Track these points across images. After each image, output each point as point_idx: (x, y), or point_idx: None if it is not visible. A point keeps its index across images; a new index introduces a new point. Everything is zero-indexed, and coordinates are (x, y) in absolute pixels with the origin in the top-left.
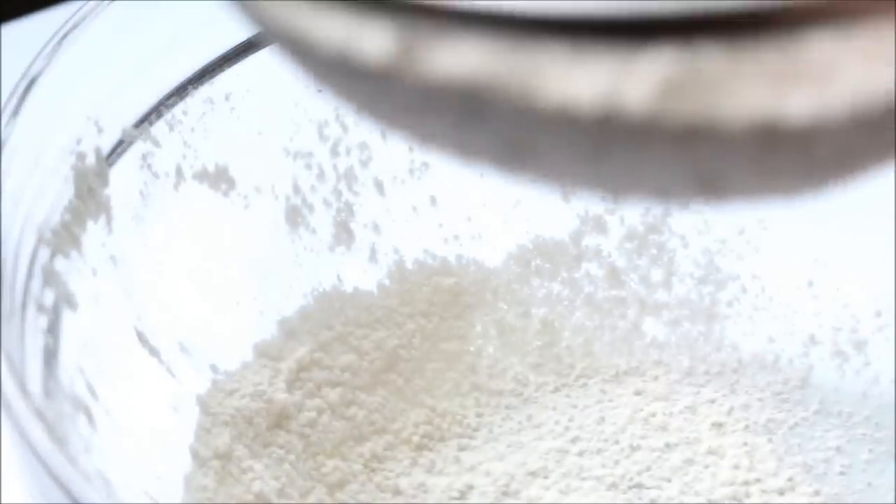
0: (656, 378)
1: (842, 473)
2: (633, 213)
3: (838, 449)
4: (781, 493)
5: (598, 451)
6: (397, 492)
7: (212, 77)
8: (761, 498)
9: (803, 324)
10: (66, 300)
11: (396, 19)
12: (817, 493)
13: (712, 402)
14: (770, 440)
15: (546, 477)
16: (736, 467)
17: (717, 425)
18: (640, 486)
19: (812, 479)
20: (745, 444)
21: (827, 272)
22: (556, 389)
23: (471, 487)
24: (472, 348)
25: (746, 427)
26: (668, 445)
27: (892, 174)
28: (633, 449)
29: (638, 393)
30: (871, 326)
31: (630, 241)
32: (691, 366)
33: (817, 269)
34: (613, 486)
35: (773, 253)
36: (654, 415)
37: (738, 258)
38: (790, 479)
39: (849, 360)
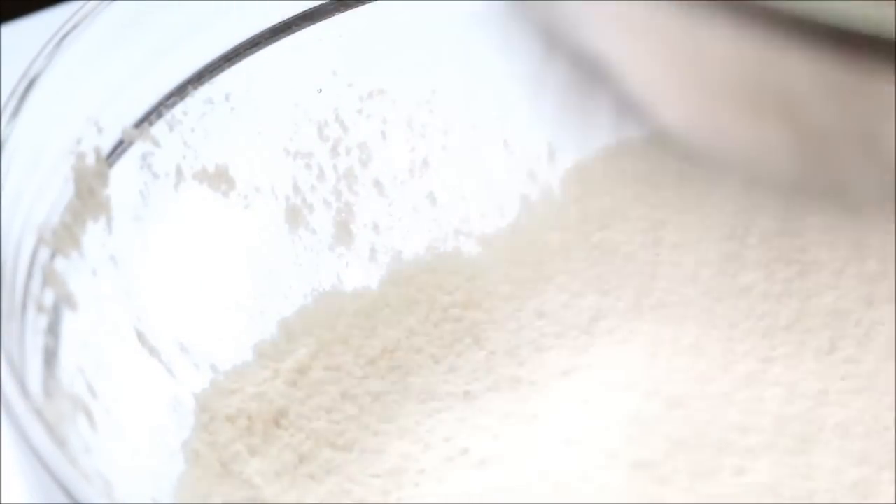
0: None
1: None
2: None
3: None
4: None
5: (602, 434)
6: (398, 485)
7: (212, 77)
8: None
9: None
10: (66, 300)
11: None
12: None
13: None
14: None
15: (544, 460)
16: None
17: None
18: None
19: None
20: None
21: None
22: (559, 381)
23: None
24: (471, 347)
25: None
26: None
27: None
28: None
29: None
30: None
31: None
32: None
33: None
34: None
35: None
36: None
37: None
38: None
39: None
